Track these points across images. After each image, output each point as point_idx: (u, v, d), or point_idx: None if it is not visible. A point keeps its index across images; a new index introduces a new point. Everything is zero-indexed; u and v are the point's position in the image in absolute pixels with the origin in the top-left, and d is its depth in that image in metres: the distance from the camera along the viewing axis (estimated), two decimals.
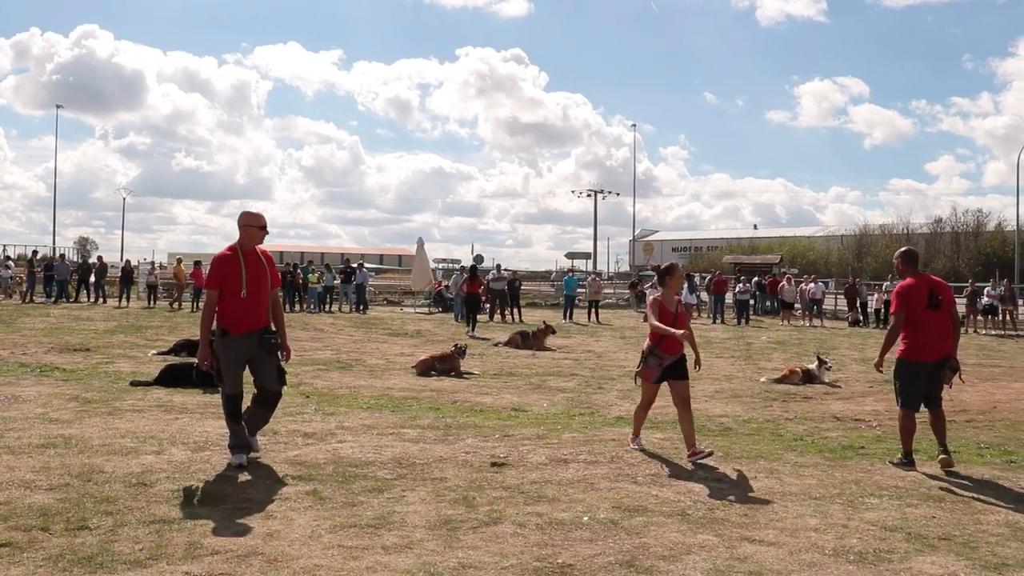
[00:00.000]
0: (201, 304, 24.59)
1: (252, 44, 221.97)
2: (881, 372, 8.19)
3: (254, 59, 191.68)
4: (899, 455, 7.67)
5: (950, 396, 12.24)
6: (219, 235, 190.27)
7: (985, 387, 13.62)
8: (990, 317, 28.16)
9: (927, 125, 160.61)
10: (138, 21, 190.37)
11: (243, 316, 6.82)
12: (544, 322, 20.27)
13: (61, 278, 32.24)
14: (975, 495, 6.57)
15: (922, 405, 7.71)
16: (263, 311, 6.97)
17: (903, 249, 8.12)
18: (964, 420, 10.27)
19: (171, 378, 11.10)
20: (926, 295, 7.55)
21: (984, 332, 27.56)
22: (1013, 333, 26.75)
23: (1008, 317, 27.95)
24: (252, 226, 7.14)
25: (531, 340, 18.62)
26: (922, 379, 7.61)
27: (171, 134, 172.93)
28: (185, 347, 14.75)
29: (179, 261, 34.65)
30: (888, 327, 7.76)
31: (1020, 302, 27.27)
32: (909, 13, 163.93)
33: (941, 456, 7.48)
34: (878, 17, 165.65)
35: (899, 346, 7.66)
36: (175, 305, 30.25)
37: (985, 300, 28.09)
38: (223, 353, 6.79)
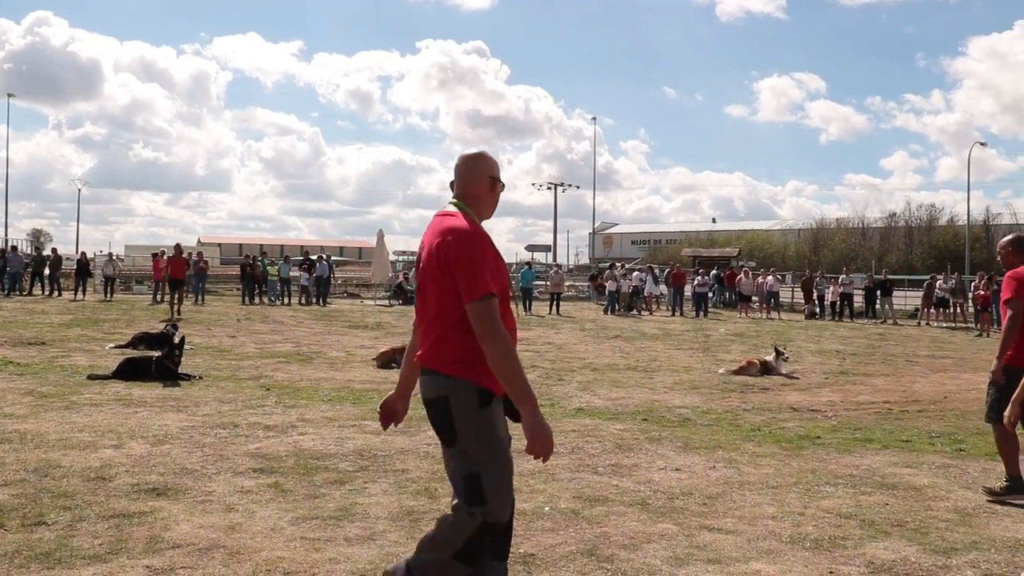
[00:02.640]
0: (164, 299, 24.40)
1: (211, 34, 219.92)
2: (1002, 380, 6.35)
3: (213, 50, 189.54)
4: (1003, 482, 6.42)
5: (901, 386, 12.57)
6: (177, 227, 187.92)
7: (936, 378, 13.92)
8: (941, 310, 28.71)
9: (881, 121, 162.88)
10: (93, 9, 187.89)
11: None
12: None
13: (14, 270, 31.61)
14: (926, 483, 6.72)
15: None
16: None
17: (1012, 236, 6.78)
18: (916, 410, 10.49)
19: (129, 371, 10.98)
20: None
21: (936, 324, 28.10)
22: (963, 325, 27.28)
23: (959, 310, 28.51)
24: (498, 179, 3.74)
25: None
26: None
27: (128, 125, 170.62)
28: (143, 340, 14.59)
29: (162, 254, 34.03)
30: (1005, 326, 6.39)
31: (970, 295, 27.73)
32: (865, 11, 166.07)
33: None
34: (835, 14, 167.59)
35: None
36: (160, 299, 29.67)
37: (937, 293, 28.65)
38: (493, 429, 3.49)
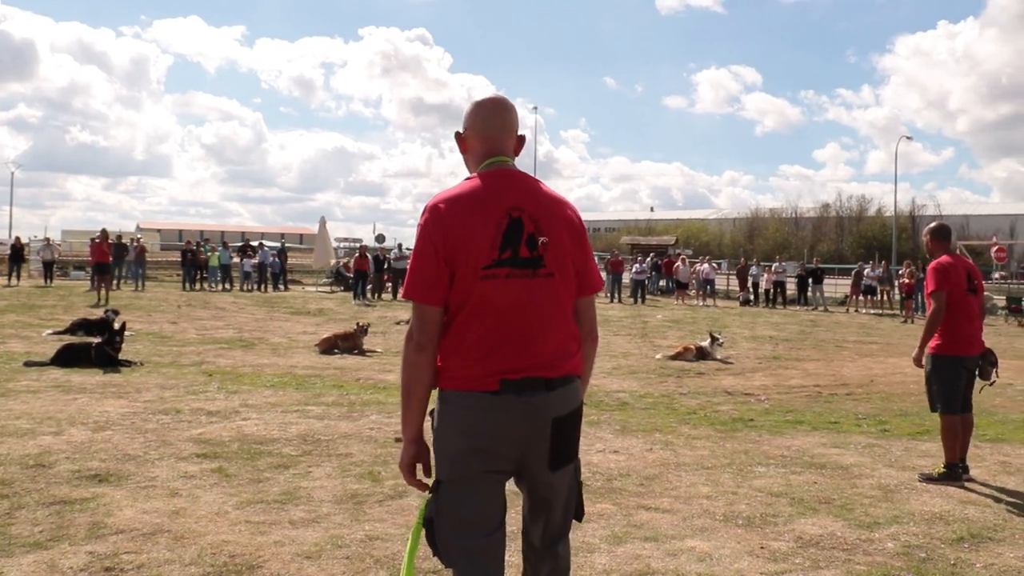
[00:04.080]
0: (97, 284, 23.85)
1: (151, 17, 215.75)
2: (923, 367, 6.72)
3: (153, 32, 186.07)
4: (939, 468, 6.57)
5: (831, 370, 12.96)
6: (116, 212, 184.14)
7: (864, 362, 14.37)
8: (869, 297, 29.52)
9: (814, 114, 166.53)
10: None
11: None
12: None
13: None
14: (852, 462, 7.00)
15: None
16: None
17: (934, 224, 6.99)
18: (844, 393, 10.85)
19: (68, 358, 10.85)
20: (965, 277, 6.61)
21: (864, 311, 28.87)
22: (890, 312, 28.08)
23: (886, 297, 29.34)
24: None
25: None
26: (964, 377, 6.59)
27: (65, 107, 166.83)
28: (82, 326, 14.37)
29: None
30: (929, 317, 6.59)
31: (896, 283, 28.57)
32: (800, 7, 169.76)
33: (966, 478, 6.53)
34: (771, 10, 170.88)
35: (933, 339, 6.62)
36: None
37: (865, 281, 29.46)
38: None
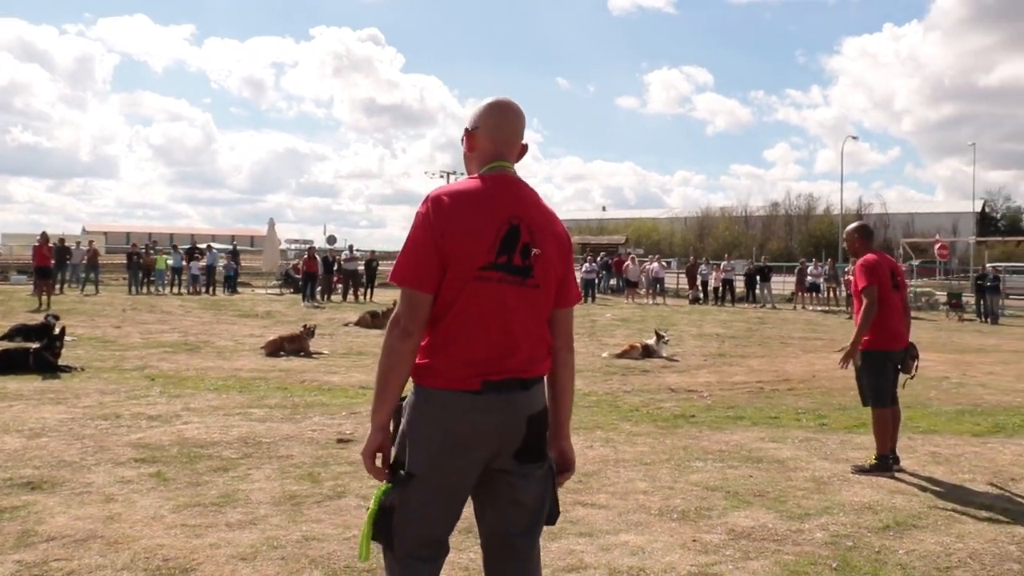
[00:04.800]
0: (38, 288, 23.38)
1: (95, 15, 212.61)
2: (847, 365, 6.86)
3: (98, 31, 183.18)
4: (870, 460, 6.79)
5: (774, 367, 13.18)
6: (60, 215, 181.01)
7: (807, 358, 14.62)
8: (814, 294, 30.03)
9: (764, 114, 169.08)
10: None
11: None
12: (395, 302, 20.33)
13: None
14: (789, 455, 7.15)
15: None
16: None
17: (857, 224, 7.22)
18: (786, 389, 11.04)
19: (4, 364, 10.64)
20: (889, 274, 6.81)
21: (811, 308, 29.35)
22: (836, 309, 28.58)
23: (832, 294, 29.87)
24: None
25: (381, 319, 18.69)
26: (892, 370, 6.80)
27: (6, 107, 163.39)
28: (21, 332, 14.06)
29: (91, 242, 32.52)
30: (863, 312, 6.71)
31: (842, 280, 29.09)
32: (750, 9, 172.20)
33: (897, 468, 6.73)
34: (722, 11, 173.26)
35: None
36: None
37: (809, 279, 29.99)
38: None
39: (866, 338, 6.72)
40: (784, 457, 7.09)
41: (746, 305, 30.46)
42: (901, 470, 6.71)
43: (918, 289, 32.06)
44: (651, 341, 14.30)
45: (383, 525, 2.72)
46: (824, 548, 4.89)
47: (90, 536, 4.79)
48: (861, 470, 6.68)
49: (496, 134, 2.88)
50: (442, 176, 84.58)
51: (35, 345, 11.24)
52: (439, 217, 2.67)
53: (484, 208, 2.72)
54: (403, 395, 2.80)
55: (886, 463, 6.68)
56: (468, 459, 2.72)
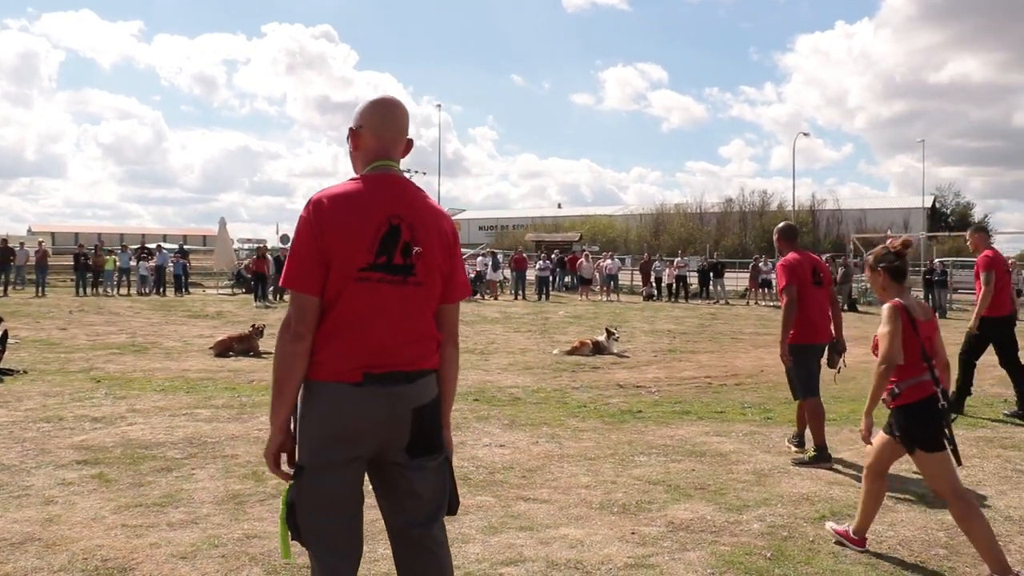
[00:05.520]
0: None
1: (39, 10, 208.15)
2: (789, 363, 7.03)
3: (42, 26, 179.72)
4: (810, 452, 7.00)
5: (723, 362, 13.36)
6: (6, 215, 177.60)
7: (757, 353, 14.85)
8: (766, 290, 30.45)
9: (719, 111, 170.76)
10: None
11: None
12: None
13: None
14: (732, 448, 7.27)
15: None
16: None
17: (781, 224, 7.51)
18: (734, 383, 11.22)
19: None
20: (810, 271, 7.07)
21: (764, 303, 29.76)
22: None
23: None
24: None
25: None
26: (815, 362, 7.05)
27: None
28: None
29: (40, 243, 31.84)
30: (784, 310, 7.00)
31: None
32: (703, 6, 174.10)
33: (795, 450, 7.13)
34: (676, 8, 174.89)
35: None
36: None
37: (762, 275, 30.39)
38: None
39: (791, 333, 6.95)
40: (727, 451, 7.22)
41: (700, 301, 30.81)
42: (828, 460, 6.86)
43: (868, 284, 32.60)
44: (602, 338, 14.41)
45: (291, 521, 2.79)
46: (760, 538, 5.00)
47: (27, 539, 4.75)
48: (800, 462, 6.82)
49: (380, 131, 2.92)
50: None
51: None
52: (319, 220, 2.71)
53: (363, 209, 2.76)
54: (436, 394, 2.90)
55: (824, 454, 6.83)
56: (353, 450, 2.77)
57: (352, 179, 2.88)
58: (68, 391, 9.56)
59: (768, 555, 4.72)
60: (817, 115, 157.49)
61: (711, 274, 31.87)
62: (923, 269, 29.86)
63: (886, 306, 4.61)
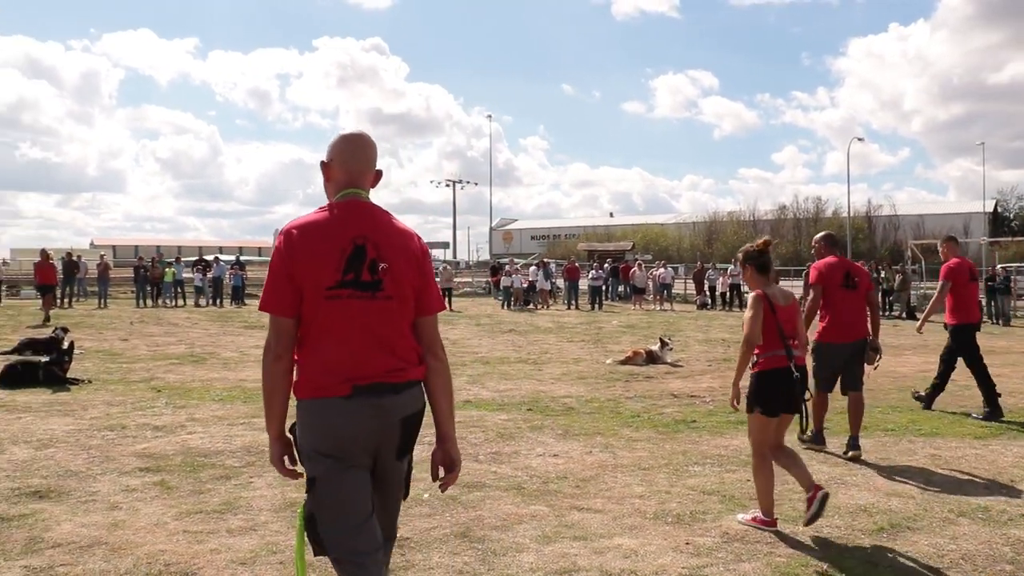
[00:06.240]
0: (41, 303, 23.49)
1: (100, 30, 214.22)
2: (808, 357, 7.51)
3: (103, 46, 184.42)
4: (809, 431, 7.29)
5: None
6: (70, 229, 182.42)
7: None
8: None
9: (771, 117, 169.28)
10: None
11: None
12: None
13: None
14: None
15: (838, 388, 7.66)
16: None
17: (823, 233, 8.06)
18: None
19: (14, 378, 10.77)
20: (842, 275, 7.50)
21: None
22: None
23: None
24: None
25: None
26: (837, 361, 7.54)
27: (14, 123, 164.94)
28: (30, 346, 14.21)
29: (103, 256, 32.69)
30: (807, 307, 7.58)
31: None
32: (754, 11, 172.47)
33: (851, 452, 7.27)
34: (726, 14, 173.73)
35: (816, 329, 7.62)
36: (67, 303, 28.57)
37: None
38: None
39: (819, 331, 7.58)
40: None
41: None
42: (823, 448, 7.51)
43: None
44: (655, 347, 14.34)
45: (313, 535, 3.00)
46: (816, 551, 4.95)
47: (95, 543, 4.89)
48: (802, 438, 7.34)
49: (349, 164, 3.12)
50: (447, 185, 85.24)
51: (45, 359, 11.36)
52: (289, 248, 2.94)
53: (329, 234, 2.97)
54: (423, 404, 3.13)
55: (819, 437, 7.59)
56: (353, 458, 2.97)
57: (320, 208, 3.09)
58: (130, 400, 9.79)
59: (825, 567, 4.67)
60: (872, 119, 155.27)
61: None
62: (985, 276, 29.19)
63: (751, 295, 5.60)
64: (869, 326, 7.60)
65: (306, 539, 3.04)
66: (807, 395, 5.59)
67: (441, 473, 3.24)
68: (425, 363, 3.11)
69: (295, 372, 3.01)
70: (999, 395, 9.37)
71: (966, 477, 6.69)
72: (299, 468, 3.10)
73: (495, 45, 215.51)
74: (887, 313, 26.69)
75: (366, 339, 2.95)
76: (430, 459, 3.24)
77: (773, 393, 5.45)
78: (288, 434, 3.08)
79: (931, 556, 4.84)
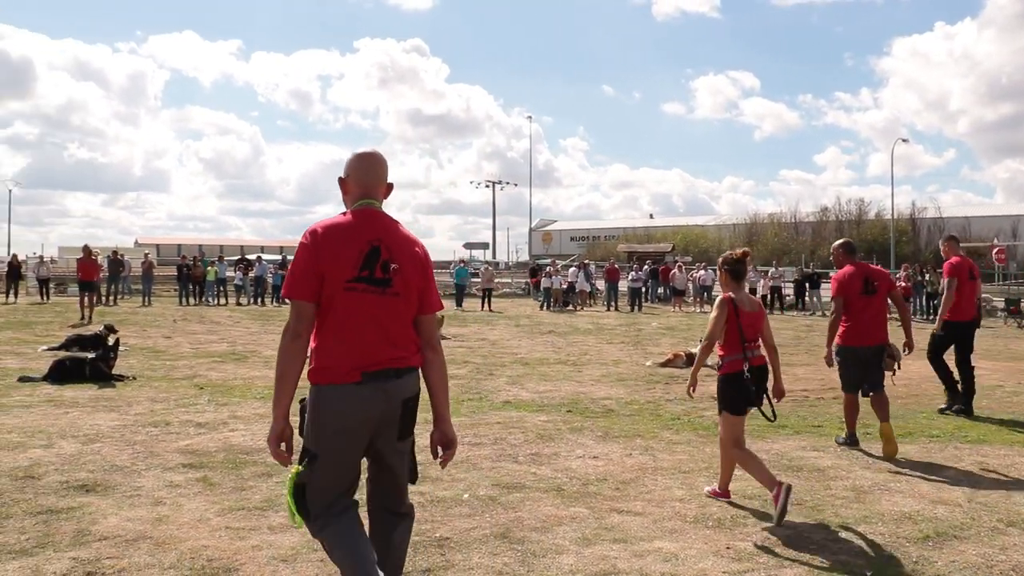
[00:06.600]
0: (98, 301, 23.89)
1: (146, 33, 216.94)
2: (832, 366, 8.11)
3: (149, 48, 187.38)
4: (844, 434, 7.99)
5: (820, 375, 13.06)
6: (115, 228, 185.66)
7: None
8: None
9: (813, 118, 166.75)
10: (19, 4, 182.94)
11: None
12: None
13: None
14: (830, 464, 7.11)
15: (866, 389, 7.89)
16: None
17: (841, 241, 8.42)
18: (831, 397, 10.91)
19: (62, 373, 10.97)
20: (861, 282, 7.80)
21: None
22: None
23: None
24: None
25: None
26: (859, 364, 7.84)
27: (63, 124, 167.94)
28: (77, 342, 14.48)
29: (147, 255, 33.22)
30: (830, 319, 8.11)
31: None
32: (796, 11, 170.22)
33: (880, 424, 7.59)
34: (767, 14, 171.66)
35: (839, 333, 7.95)
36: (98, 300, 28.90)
37: None
38: None
39: (838, 335, 7.93)
40: (825, 466, 7.06)
41: (795, 313, 30.18)
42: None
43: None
44: (695, 349, 14.20)
45: (300, 500, 3.36)
46: (859, 557, 4.88)
47: (140, 536, 4.96)
48: (838, 440, 7.91)
49: (363, 179, 3.53)
50: (488, 185, 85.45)
51: (91, 355, 11.56)
52: (315, 244, 3.33)
53: (350, 235, 3.38)
54: (419, 388, 3.53)
55: (852, 439, 7.85)
56: (357, 439, 3.39)
57: (341, 213, 3.51)
58: (173, 397, 9.93)
59: (869, 574, 4.60)
60: (916, 120, 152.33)
61: (806, 285, 31.16)
62: None
63: (718, 297, 6.04)
64: (893, 328, 7.98)
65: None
66: (765, 389, 6.10)
67: (440, 452, 3.64)
68: (424, 355, 3.53)
69: (309, 359, 3.35)
70: (970, 394, 9.74)
71: (1015, 486, 6.56)
72: (289, 454, 3.41)
73: (535, 46, 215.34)
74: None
75: (375, 330, 3.35)
76: (429, 440, 3.64)
77: (735, 394, 5.97)
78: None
79: (979, 567, 4.74)
